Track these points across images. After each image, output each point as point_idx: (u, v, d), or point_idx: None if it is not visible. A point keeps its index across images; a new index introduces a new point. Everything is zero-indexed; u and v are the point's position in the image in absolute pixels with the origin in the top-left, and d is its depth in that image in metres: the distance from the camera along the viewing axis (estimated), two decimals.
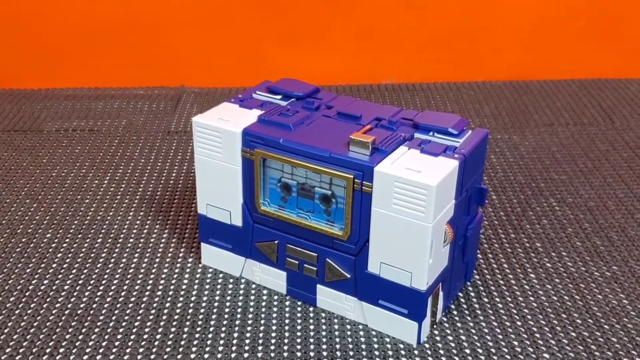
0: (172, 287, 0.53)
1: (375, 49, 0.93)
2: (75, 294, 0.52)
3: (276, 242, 0.51)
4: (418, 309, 0.46)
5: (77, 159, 0.72)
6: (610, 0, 0.93)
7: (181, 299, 0.52)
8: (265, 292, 0.52)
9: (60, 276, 0.54)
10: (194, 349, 0.47)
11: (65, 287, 0.52)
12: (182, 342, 0.47)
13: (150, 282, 0.53)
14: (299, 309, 0.51)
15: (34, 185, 0.66)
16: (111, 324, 0.49)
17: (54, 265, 0.55)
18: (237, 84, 0.91)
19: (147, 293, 0.52)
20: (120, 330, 0.48)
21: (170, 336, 0.48)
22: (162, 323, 0.49)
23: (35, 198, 0.64)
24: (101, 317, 0.50)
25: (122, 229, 0.60)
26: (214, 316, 0.50)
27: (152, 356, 0.46)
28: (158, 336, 0.48)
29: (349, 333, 0.49)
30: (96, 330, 0.48)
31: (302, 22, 0.91)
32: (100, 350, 0.47)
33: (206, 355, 0.46)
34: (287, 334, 0.48)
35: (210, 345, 0.47)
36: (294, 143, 0.47)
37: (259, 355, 0.46)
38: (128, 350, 0.47)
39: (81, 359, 0.46)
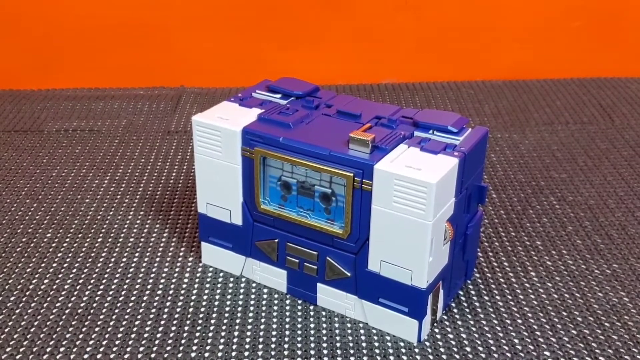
0: (172, 286, 0.53)
1: (375, 48, 0.93)
2: (75, 293, 0.52)
3: (276, 240, 0.51)
4: (418, 307, 0.46)
5: (77, 159, 0.72)
6: None
7: (181, 297, 0.52)
8: (265, 290, 0.52)
9: (60, 275, 0.54)
10: (194, 348, 0.47)
11: (66, 287, 0.52)
12: (183, 341, 0.47)
13: (151, 281, 0.53)
14: (299, 307, 0.51)
15: (34, 185, 0.66)
16: (111, 323, 0.49)
17: (54, 264, 0.55)
18: (236, 84, 0.91)
19: (147, 292, 0.52)
20: (121, 329, 0.48)
21: (171, 335, 0.48)
22: (162, 322, 0.49)
23: (36, 198, 0.64)
24: (101, 316, 0.50)
25: (122, 228, 0.60)
26: (214, 315, 0.50)
27: (153, 355, 0.46)
28: (158, 335, 0.48)
29: (349, 331, 0.49)
30: (97, 329, 0.48)
31: (301, 22, 0.91)
32: (101, 349, 0.47)
33: (207, 354, 0.46)
34: (287, 333, 0.48)
35: (210, 344, 0.47)
36: (294, 141, 0.47)
37: (260, 353, 0.46)
38: (128, 349, 0.47)
39: (82, 358, 0.46)
